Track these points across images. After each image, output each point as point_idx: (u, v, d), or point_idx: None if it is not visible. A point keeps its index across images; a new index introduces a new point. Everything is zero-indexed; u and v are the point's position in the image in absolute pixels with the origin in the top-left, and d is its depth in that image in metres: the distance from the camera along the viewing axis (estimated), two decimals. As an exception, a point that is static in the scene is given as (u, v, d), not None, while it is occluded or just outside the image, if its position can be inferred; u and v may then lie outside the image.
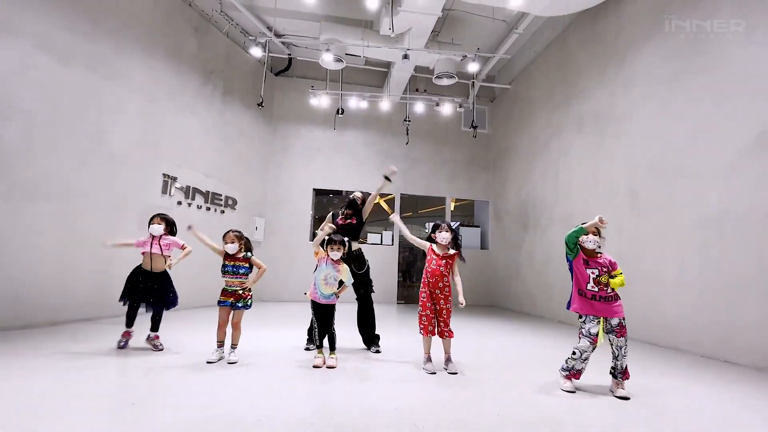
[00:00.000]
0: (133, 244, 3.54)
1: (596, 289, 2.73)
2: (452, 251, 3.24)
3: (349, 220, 3.94)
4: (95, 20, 5.05)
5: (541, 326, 5.99)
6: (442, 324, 3.14)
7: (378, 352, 3.76)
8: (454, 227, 3.33)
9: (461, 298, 3.16)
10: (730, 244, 3.95)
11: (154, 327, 3.52)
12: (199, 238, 3.29)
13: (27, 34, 4.33)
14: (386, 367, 3.22)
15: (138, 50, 5.63)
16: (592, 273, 2.75)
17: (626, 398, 2.56)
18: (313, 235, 9.08)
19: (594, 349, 2.69)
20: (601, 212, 5.60)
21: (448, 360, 3.17)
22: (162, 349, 3.44)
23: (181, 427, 1.87)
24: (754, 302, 3.68)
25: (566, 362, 2.76)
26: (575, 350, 2.72)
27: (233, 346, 3.22)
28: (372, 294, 3.91)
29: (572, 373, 2.73)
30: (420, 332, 3.15)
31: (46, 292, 4.47)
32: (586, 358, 2.71)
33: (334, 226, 3.46)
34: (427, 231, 3.70)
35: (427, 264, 3.23)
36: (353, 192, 4.16)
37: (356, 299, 3.90)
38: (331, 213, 4.09)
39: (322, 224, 4.06)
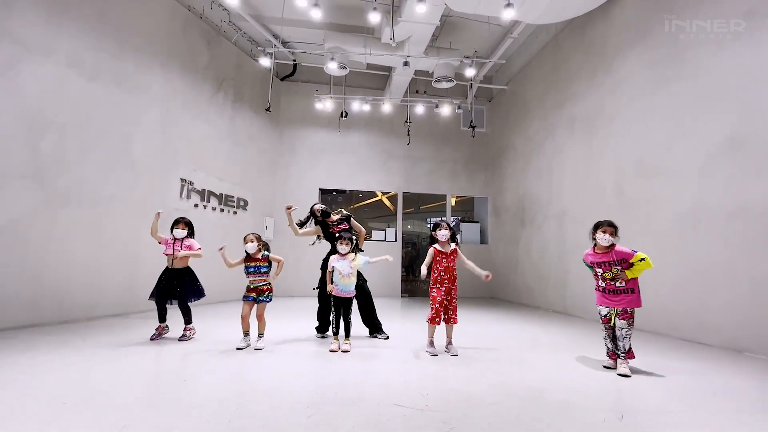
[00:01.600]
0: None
1: (604, 284, 3.16)
2: (452, 246, 3.64)
3: (342, 226, 4.34)
4: (120, 39, 5.46)
5: (537, 315, 6.41)
6: (450, 311, 3.56)
7: (387, 338, 4.19)
8: (453, 223, 3.77)
9: (485, 272, 3.64)
10: (702, 237, 4.35)
11: (186, 320, 3.95)
12: (224, 259, 3.68)
13: (60, 54, 4.74)
14: (394, 351, 3.65)
15: (157, 65, 6.04)
16: (599, 271, 3.18)
17: (627, 376, 2.89)
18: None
19: (607, 327, 3.16)
20: (591, 209, 6.01)
21: (449, 343, 3.59)
22: (192, 339, 3.87)
23: (221, 402, 2.30)
24: (722, 290, 4.08)
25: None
26: (603, 331, 3.22)
27: (260, 335, 3.66)
28: (366, 283, 4.32)
29: (609, 353, 3.17)
30: (428, 321, 3.55)
31: (81, 290, 4.92)
32: (605, 337, 3.19)
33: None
34: (428, 227, 4.11)
35: (437, 265, 3.58)
36: (318, 205, 4.45)
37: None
38: (318, 225, 4.40)
39: (303, 231, 4.43)
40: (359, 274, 4.27)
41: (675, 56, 4.84)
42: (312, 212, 4.44)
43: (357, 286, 4.29)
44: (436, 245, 3.64)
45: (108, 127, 5.30)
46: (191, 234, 4.08)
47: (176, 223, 4.00)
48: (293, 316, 5.75)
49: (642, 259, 3.00)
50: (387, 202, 15.65)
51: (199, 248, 4.04)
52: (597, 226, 3.20)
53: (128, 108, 5.59)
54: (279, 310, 6.44)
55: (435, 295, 3.54)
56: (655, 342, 4.28)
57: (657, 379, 2.86)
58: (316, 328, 4.30)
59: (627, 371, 2.93)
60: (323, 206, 4.44)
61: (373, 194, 14.91)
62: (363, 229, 4.51)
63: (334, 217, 4.40)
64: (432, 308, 3.54)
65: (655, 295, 4.81)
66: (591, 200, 6.17)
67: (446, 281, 3.54)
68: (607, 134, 5.92)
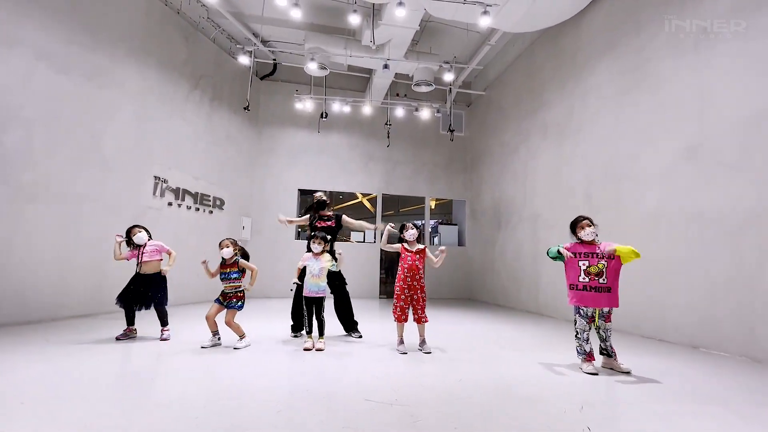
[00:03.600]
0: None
1: (587, 279, 2.98)
2: (421, 246, 3.73)
3: (328, 223, 4.35)
4: (93, 32, 5.31)
5: (511, 315, 6.57)
6: (419, 310, 3.62)
7: (360, 337, 4.22)
8: (433, 225, 3.86)
9: (439, 250, 3.71)
10: (662, 240, 4.58)
11: (162, 322, 3.87)
12: (206, 270, 3.65)
13: (28, 46, 4.58)
14: (367, 349, 3.68)
15: (132, 60, 5.90)
16: (583, 264, 3.02)
17: (628, 372, 2.95)
18: (298, 235, 9.45)
19: (591, 328, 3.04)
20: (562, 212, 6.22)
21: (422, 342, 3.65)
22: (167, 340, 3.79)
23: (188, 400, 2.28)
24: (682, 290, 4.31)
25: (577, 347, 3.10)
26: (576, 330, 3.10)
27: (240, 337, 3.63)
28: (346, 286, 4.38)
29: (587, 355, 3.00)
30: (394, 320, 3.62)
31: (47, 289, 4.74)
32: (588, 339, 3.02)
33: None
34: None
35: (402, 261, 3.70)
36: (319, 192, 4.56)
37: (331, 292, 4.34)
38: (308, 216, 4.49)
39: (300, 219, 4.54)
40: (340, 277, 4.29)
41: (639, 67, 5.08)
42: (321, 201, 4.44)
43: (335, 288, 4.31)
44: (405, 244, 3.75)
45: (78, 122, 5.14)
46: (151, 235, 4.00)
47: (132, 229, 3.90)
48: (269, 317, 5.70)
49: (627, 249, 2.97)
50: (367, 204, 15.70)
51: (169, 249, 3.97)
52: (575, 223, 3.19)
53: (100, 103, 5.43)
54: (255, 311, 6.37)
55: (399, 292, 3.62)
56: (620, 340, 4.46)
57: (619, 375, 3.00)
58: (291, 327, 4.29)
59: (627, 367, 2.98)
60: (324, 197, 4.47)
61: (353, 196, 14.94)
62: (355, 222, 4.52)
63: (327, 212, 4.42)
64: (395, 306, 3.61)
65: (620, 295, 5.01)
66: (562, 204, 6.38)
67: (408, 279, 3.61)
68: (577, 141, 6.15)
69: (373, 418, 1.99)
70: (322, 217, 4.39)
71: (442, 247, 3.78)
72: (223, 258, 3.65)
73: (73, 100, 5.07)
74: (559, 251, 3.19)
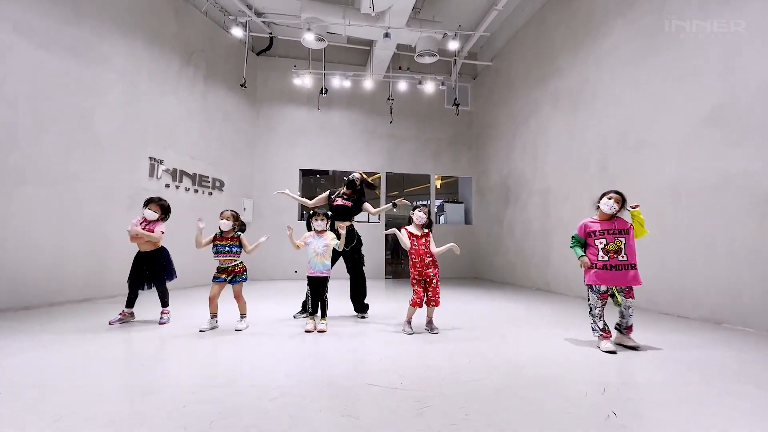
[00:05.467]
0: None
1: (606, 258, 2.86)
2: (426, 230, 3.52)
3: (345, 203, 4.12)
4: (74, 3, 5.00)
5: (520, 294, 6.40)
6: (431, 293, 3.43)
7: (363, 317, 4.07)
8: (439, 204, 3.61)
9: (448, 246, 3.46)
10: (682, 211, 4.31)
11: (164, 302, 3.75)
12: (198, 235, 3.43)
13: (4, 19, 4.31)
14: (373, 330, 3.52)
15: (118, 33, 5.61)
16: (600, 243, 2.90)
17: (636, 347, 2.83)
18: (302, 215, 9.27)
19: (604, 303, 2.90)
20: (574, 185, 5.93)
21: (430, 322, 3.48)
22: (165, 323, 3.66)
23: (179, 386, 2.13)
24: (702, 263, 4.07)
25: (592, 324, 2.94)
26: (589, 306, 2.95)
27: (242, 315, 3.50)
28: (363, 267, 4.17)
29: (603, 332, 2.85)
30: (410, 303, 3.43)
31: (42, 274, 4.62)
32: (601, 314, 2.88)
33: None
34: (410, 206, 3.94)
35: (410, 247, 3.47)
36: (352, 173, 4.29)
37: (348, 270, 4.16)
38: (328, 192, 4.29)
39: (317, 198, 4.31)
40: (358, 253, 4.09)
41: (659, 27, 4.69)
42: (351, 181, 4.18)
43: (350, 268, 4.12)
44: (409, 227, 3.53)
45: (65, 100, 4.91)
46: (165, 217, 3.85)
47: (148, 202, 3.74)
48: (273, 299, 5.58)
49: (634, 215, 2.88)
50: (388, 207, 15.44)
51: (161, 232, 3.75)
52: (603, 194, 3.02)
53: (88, 80, 5.18)
54: (259, 292, 6.26)
55: (414, 282, 3.44)
56: (636, 316, 4.26)
57: (638, 353, 2.80)
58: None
59: (636, 343, 2.89)
60: (357, 177, 4.19)
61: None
62: (375, 210, 4.22)
63: (351, 193, 4.16)
64: (414, 291, 3.44)
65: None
66: (574, 176, 6.09)
67: (419, 265, 3.42)
68: (591, 109, 5.80)
69: (375, 405, 1.82)
70: (341, 195, 4.16)
71: (453, 245, 3.49)
72: (220, 230, 3.48)
73: (58, 76, 4.82)
74: (576, 246, 3.08)
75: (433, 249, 3.50)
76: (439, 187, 13.99)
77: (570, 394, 1.98)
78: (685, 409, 1.82)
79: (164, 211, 3.84)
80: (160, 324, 3.63)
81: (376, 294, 6.23)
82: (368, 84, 8.43)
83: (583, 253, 3.02)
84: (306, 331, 3.36)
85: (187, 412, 1.72)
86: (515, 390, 2.03)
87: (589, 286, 2.96)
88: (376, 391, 1.99)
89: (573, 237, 3.12)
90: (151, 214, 3.73)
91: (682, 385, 2.13)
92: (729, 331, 3.57)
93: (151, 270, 3.73)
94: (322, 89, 8.38)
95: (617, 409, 1.78)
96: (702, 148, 4.15)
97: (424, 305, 3.44)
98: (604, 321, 2.91)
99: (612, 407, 1.81)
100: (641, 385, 2.15)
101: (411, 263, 3.46)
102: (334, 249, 3.60)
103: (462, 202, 10.45)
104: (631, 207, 2.90)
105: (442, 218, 10.40)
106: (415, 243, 3.44)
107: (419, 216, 3.49)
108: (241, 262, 3.55)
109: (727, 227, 3.85)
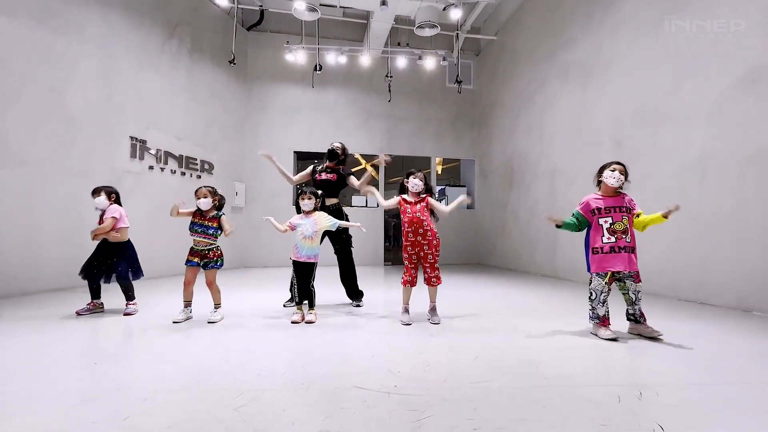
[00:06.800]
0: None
1: (613, 239, 2.58)
2: (423, 195, 3.14)
3: (329, 176, 3.76)
4: (35, -38, 4.53)
5: (525, 280, 6.06)
6: (428, 269, 3.07)
7: (358, 306, 3.73)
8: (440, 190, 3.22)
9: (461, 198, 3.10)
10: (708, 188, 3.92)
11: (127, 297, 3.39)
12: (178, 205, 3.13)
13: (-45, -23, 3.87)
14: (366, 320, 3.19)
15: (92, 0, 5.13)
16: (605, 222, 2.61)
17: (659, 337, 2.52)
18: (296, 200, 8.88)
19: (609, 290, 2.62)
20: (584, 165, 5.53)
21: (432, 309, 3.13)
22: (132, 314, 3.31)
23: (138, 388, 1.79)
24: (728, 245, 3.70)
25: (589, 311, 2.69)
26: (590, 291, 2.66)
27: (216, 305, 3.17)
28: (351, 249, 3.81)
29: (602, 320, 2.62)
30: (401, 283, 3.10)
31: (15, 261, 4.28)
32: (604, 300, 2.62)
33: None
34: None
35: (402, 215, 3.12)
36: (332, 143, 3.92)
37: (335, 252, 3.81)
38: (311, 167, 3.93)
39: (300, 174, 3.92)
40: (346, 234, 3.74)
41: (687, -17, 4.22)
42: (332, 151, 3.80)
43: (337, 249, 3.77)
44: (405, 195, 3.15)
45: (32, 72, 4.49)
46: (118, 201, 3.47)
47: (95, 192, 3.36)
48: (263, 287, 5.25)
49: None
50: (371, 170, 15.00)
51: (113, 217, 3.32)
52: (604, 167, 2.69)
53: (57, 50, 4.74)
54: (247, 279, 5.93)
55: (405, 254, 3.09)
56: (653, 304, 3.92)
57: (665, 346, 2.46)
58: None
59: (658, 333, 2.55)
60: (337, 146, 3.80)
61: (356, 163, 14.20)
62: (358, 183, 3.65)
63: (334, 165, 3.78)
64: (404, 267, 3.09)
65: (650, 255, 4.43)
66: (585, 155, 5.68)
67: (411, 234, 3.04)
68: (605, 81, 5.36)
69: (362, 415, 1.48)
70: (326, 169, 3.78)
71: (464, 197, 3.13)
72: (199, 209, 3.13)
73: (22, 44, 4.39)
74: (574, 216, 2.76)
75: (442, 208, 3.12)
76: (440, 172, 13.55)
77: (599, 398, 1.63)
78: (735, 417, 1.47)
79: (108, 194, 3.40)
80: (125, 315, 3.28)
81: (374, 280, 5.91)
82: (365, 60, 7.95)
83: (569, 225, 2.76)
84: (292, 322, 3.02)
85: (125, 426, 1.37)
86: (533, 395, 1.68)
87: (597, 273, 2.66)
88: (364, 396, 1.64)
89: (573, 214, 2.78)
90: (101, 201, 3.34)
91: (722, 385, 1.78)
92: (761, 319, 3.22)
93: (110, 262, 3.33)
94: (316, 66, 7.90)
95: (662, 421, 1.43)
96: (733, 117, 3.73)
97: (425, 284, 3.09)
98: (606, 309, 2.64)
99: (655, 418, 1.46)
100: (684, 387, 1.80)
101: (403, 233, 3.09)
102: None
103: (464, 186, 10.06)
104: (668, 211, 2.50)
105: (443, 203, 10.00)
106: (408, 210, 3.06)
107: (415, 183, 3.10)
108: (218, 247, 3.20)
109: (760, 204, 3.47)
